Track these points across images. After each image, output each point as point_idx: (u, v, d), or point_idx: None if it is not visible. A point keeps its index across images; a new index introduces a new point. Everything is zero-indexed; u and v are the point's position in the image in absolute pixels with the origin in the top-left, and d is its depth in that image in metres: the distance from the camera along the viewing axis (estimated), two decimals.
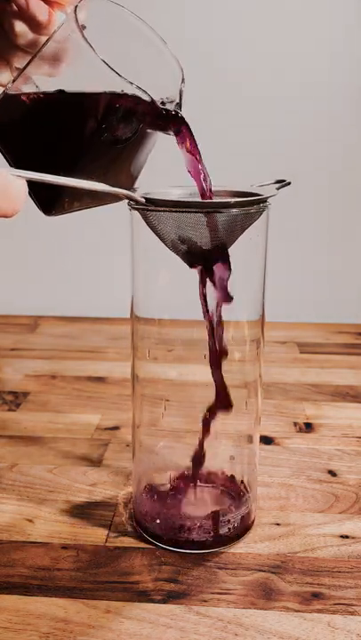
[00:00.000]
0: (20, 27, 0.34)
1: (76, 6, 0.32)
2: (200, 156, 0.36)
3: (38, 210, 0.35)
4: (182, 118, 0.35)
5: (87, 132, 0.33)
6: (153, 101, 0.34)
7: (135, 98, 0.33)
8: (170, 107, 0.35)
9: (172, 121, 0.35)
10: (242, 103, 0.88)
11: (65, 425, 0.63)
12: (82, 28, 0.31)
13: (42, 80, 0.34)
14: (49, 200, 0.34)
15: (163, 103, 0.35)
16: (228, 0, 0.85)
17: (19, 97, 0.33)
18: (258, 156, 0.89)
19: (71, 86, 0.33)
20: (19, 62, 0.36)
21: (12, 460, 0.56)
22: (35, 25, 0.34)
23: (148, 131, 0.36)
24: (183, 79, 0.35)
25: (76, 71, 0.33)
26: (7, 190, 0.28)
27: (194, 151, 0.36)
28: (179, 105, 0.35)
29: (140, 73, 0.34)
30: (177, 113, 0.35)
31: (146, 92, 0.33)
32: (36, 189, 0.32)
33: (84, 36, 0.31)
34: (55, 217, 0.35)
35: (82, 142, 0.33)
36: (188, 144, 0.36)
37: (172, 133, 0.36)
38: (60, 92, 0.33)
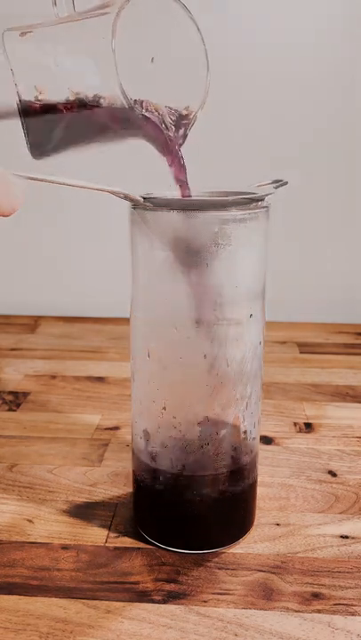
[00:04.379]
0: None
1: (117, 12, 0.32)
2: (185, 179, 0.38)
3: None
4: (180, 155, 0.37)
5: (92, 132, 0.35)
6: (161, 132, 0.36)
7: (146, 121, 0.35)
8: (177, 126, 0.36)
9: (170, 152, 0.37)
10: (241, 104, 0.88)
11: (65, 425, 0.63)
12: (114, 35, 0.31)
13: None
14: (42, 151, 0.34)
15: (178, 116, 0.36)
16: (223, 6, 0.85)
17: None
18: (258, 156, 0.89)
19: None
20: None
21: (12, 460, 0.56)
22: None
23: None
24: (205, 101, 0.37)
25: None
26: (6, 189, 0.28)
27: (180, 175, 0.37)
28: (187, 128, 0.37)
29: (171, 75, 0.38)
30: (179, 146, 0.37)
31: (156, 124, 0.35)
32: (33, 134, 0.34)
33: (114, 55, 0.31)
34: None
35: (82, 137, 0.36)
36: (175, 170, 0.37)
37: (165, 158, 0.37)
38: (79, 100, 0.34)
